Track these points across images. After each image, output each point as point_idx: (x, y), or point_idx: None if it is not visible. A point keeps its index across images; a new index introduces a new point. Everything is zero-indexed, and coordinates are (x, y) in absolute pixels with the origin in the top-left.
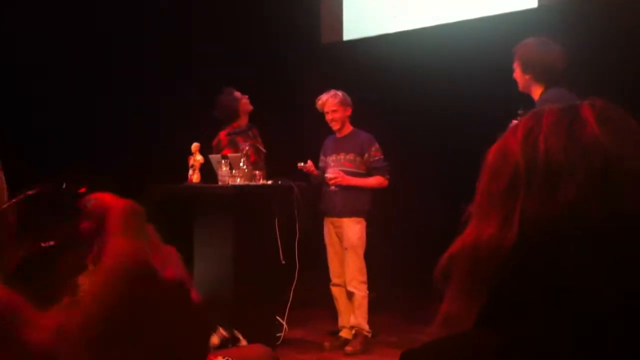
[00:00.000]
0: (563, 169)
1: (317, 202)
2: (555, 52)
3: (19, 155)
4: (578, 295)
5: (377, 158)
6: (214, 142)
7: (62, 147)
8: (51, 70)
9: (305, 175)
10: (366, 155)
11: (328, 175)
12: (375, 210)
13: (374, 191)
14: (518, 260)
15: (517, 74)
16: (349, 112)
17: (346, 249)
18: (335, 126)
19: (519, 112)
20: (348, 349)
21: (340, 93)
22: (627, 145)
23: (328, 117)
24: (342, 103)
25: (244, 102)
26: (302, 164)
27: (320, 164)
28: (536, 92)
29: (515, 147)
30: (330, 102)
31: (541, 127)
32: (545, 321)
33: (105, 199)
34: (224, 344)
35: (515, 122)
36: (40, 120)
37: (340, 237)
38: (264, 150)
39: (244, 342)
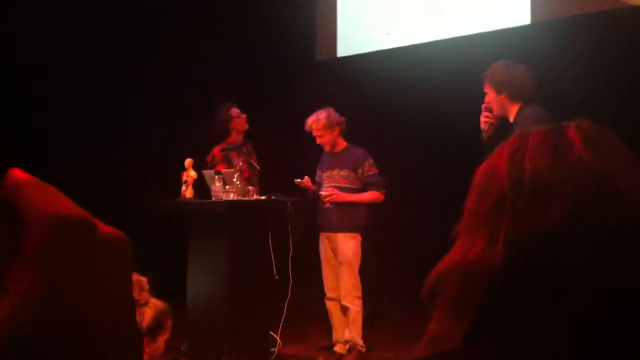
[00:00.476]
0: (551, 187)
1: (314, 217)
2: (524, 71)
3: (19, 155)
4: (570, 308)
5: (371, 173)
6: (208, 158)
7: (62, 147)
8: (51, 70)
9: (302, 190)
10: (360, 170)
11: (322, 192)
12: (372, 225)
13: (369, 206)
14: (506, 277)
15: (491, 97)
16: (336, 131)
17: (341, 263)
18: (326, 148)
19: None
20: None
21: (323, 116)
22: (612, 165)
23: (317, 140)
24: (327, 127)
25: (237, 121)
26: (298, 179)
27: (317, 179)
28: (512, 111)
29: (501, 167)
30: (315, 127)
31: (527, 147)
32: (537, 333)
33: (26, 197)
34: None
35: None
36: (40, 120)
37: (335, 252)
38: (258, 167)
39: None
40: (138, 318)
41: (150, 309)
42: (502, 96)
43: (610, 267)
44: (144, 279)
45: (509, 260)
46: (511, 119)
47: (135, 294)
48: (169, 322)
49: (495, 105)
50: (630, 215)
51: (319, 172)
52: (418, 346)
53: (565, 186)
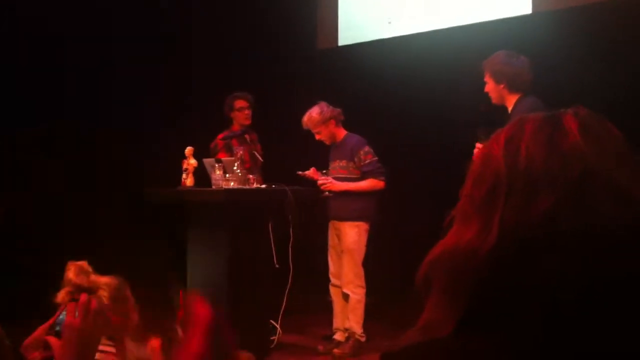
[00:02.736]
0: (542, 177)
1: (316, 206)
2: (524, 62)
3: (20, 153)
4: (549, 303)
5: (367, 161)
6: (212, 145)
7: (64, 142)
8: (51, 70)
9: (306, 181)
10: (356, 159)
11: (319, 182)
12: (376, 214)
13: (372, 195)
14: (494, 265)
15: (490, 86)
16: (331, 124)
17: (342, 251)
18: (326, 142)
19: (480, 136)
20: (336, 351)
21: (315, 113)
22: (607, 156)
23: (316, 137)
24: (320, 122)
25: (238, 114)
26: (301, 172)
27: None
28: (510, 101)
29: (497, 153)
30: (310, 126)
31: (524, 134)
32: (523, 327)
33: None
34: None
35: (478, 145)
36: (40, 120)
37: (340, 240)
38: (261, 159)
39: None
40: (96, 305)
41: (104, 290)
42: (501, 86)
43: (586, 267)
44: (83, 263)
45: (500, 247)
46: (510, 110)
47: (83, 281)
48: (129, 294)
49: (494, 94)
50: (611, 213)
51: (330, 164)
52: (410, 332)
53: (554, 179)
